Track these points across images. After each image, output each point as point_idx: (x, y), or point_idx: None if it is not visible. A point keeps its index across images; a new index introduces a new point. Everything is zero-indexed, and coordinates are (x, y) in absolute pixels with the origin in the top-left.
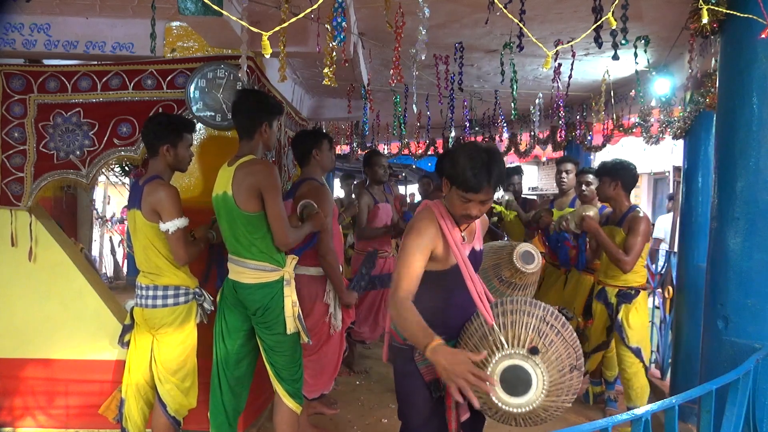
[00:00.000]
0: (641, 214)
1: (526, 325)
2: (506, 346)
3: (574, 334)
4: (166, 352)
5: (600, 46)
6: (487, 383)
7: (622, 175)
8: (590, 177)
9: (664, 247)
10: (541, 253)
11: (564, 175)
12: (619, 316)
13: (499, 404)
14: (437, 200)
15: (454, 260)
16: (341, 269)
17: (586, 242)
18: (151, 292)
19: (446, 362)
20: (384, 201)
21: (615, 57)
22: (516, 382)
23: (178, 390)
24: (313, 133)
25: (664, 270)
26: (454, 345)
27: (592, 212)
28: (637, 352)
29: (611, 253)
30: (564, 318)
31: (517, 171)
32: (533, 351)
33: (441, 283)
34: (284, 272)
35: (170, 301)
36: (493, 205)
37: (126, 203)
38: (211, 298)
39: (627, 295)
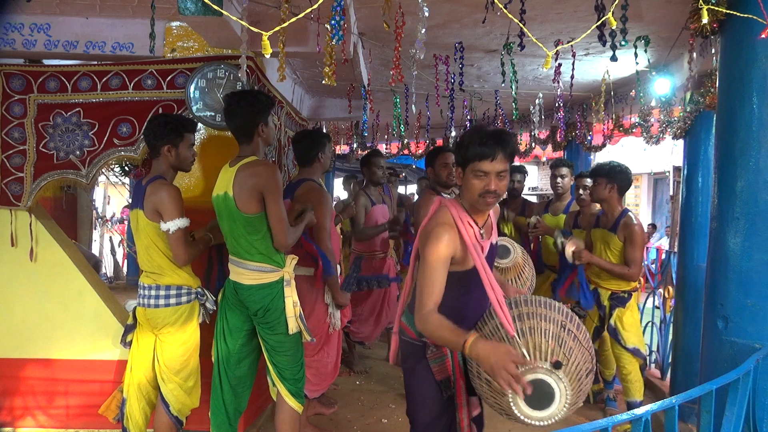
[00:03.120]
0: (635, 221)
1: (545, 333)
2: (528, 358)
3: (588, 336)
4: (168, 352)
5: (604, 44)
6: (512, 390)
7: (619, 178)
8: (588, 181)
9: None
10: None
11: (559, 180)
12: (612, 320)
13: (522, 417)
14: (452, 199)
15: (472, 260)
16: (338, 270)
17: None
18: (153, 292)
19: (487, 354)
20: (381, 202)
21: (613, 58)
22: (538, 395)
23: (181, 390)
24: (318, 136)
25: (663, 270)
26: None
27: (574, 246)
28: (635, 352)
29: (615, 272)
30: (578, 319)
31: (520, 170)
32: (557, 366)
33: (460, 283)
34: (284, 273)
35: (172, 300)
36: None
37: (126, 203)
38: (214, 298)
39: (621, 299)
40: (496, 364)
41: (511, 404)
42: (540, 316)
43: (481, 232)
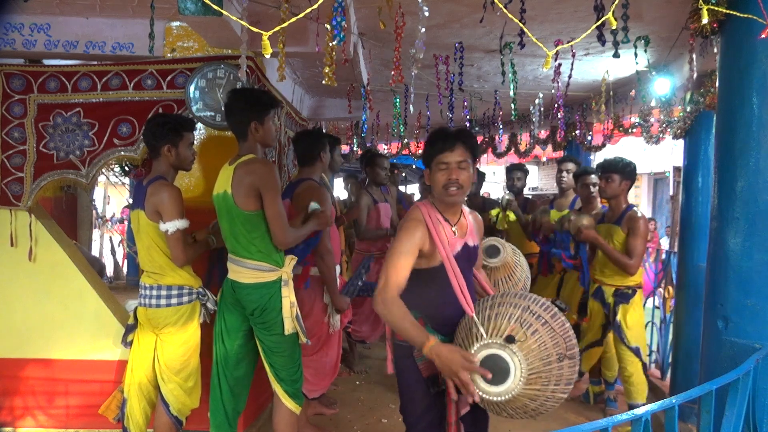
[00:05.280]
0: (639, 214)
1: (509, 316)
2: (485, 336)
3: (566, 325)
4: (169, 352)
5: (603, 44)
6: (470, 374)
7: (631, 175)
8: (594, 177)
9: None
10: (537, 254)
11: (565, 174)
12: (617, 317)
13: (480, 393)
14: (424, 200)
15: (440, 256)
16: (339, 270)
17: (586, 253)
18: (154, 292)
19: (441, 362)
20: (383, 201)
21: (615, 55)
22: (495, 371)
23: (181, 390)
24: (319, 135)
25: (663, 270)
26: (451, 341)
27: (586, 221)
28: (637, 352)
29: (615, 259)
30: (556, 309)
31: (521, 168)
32: (509, 339)
33: (434, 280)
34: (282, 272)
35: (174, 300)
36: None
37: (126, 203)
38: (214, 298)
39: (625, 295)
40: (448, 369)
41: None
42: (509, 304)
43: (454, 229)
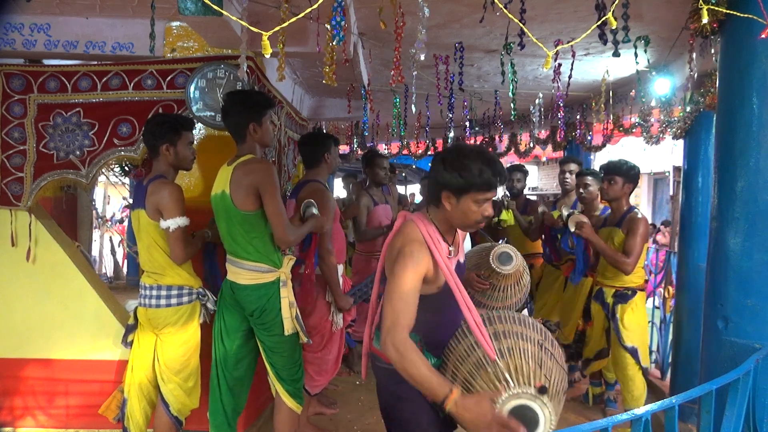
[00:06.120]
0: (639, 215)
1: (524, 353)
2: (512, 384)
3: (561, 351)
4: (169, 352)
5: (605, 42)
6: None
7: (635, 179)
8: (589, 179)
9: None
10: (540, 253)
11: (567, 175)
12: (616, 316)
13: None
14: (418, 214)
15: (443, 280)
16: (342, 269)
17: (583, 251)
18: (154, 292)
19: (471, 416)
20: (383, 202)
21: (616, 54)
22: (522, 420)
23: (181, 390)
24: (323, 137)
25: (663, 270)
26: (442, 362)
27: (579, 218)
28: (633, 352)
29: (610, 257)
30: (552, 335)
31: (520, 169)
32: (542, 391)
33: (433, 305)
34: (281, 273)
35: (174, 300)
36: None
37: (126, 202)
38: (214, 299)
39: (623, 296)
40: (484, 423)
41: None
42: (517, 335)
43: (450, 249)
